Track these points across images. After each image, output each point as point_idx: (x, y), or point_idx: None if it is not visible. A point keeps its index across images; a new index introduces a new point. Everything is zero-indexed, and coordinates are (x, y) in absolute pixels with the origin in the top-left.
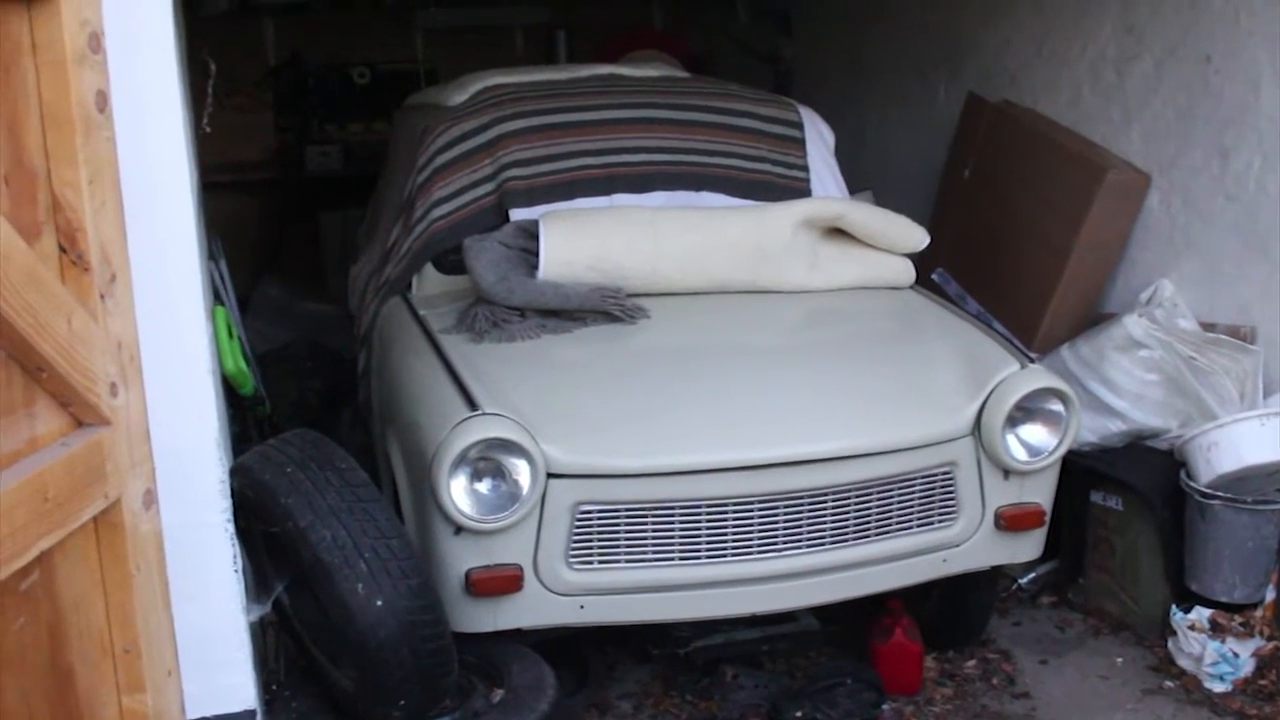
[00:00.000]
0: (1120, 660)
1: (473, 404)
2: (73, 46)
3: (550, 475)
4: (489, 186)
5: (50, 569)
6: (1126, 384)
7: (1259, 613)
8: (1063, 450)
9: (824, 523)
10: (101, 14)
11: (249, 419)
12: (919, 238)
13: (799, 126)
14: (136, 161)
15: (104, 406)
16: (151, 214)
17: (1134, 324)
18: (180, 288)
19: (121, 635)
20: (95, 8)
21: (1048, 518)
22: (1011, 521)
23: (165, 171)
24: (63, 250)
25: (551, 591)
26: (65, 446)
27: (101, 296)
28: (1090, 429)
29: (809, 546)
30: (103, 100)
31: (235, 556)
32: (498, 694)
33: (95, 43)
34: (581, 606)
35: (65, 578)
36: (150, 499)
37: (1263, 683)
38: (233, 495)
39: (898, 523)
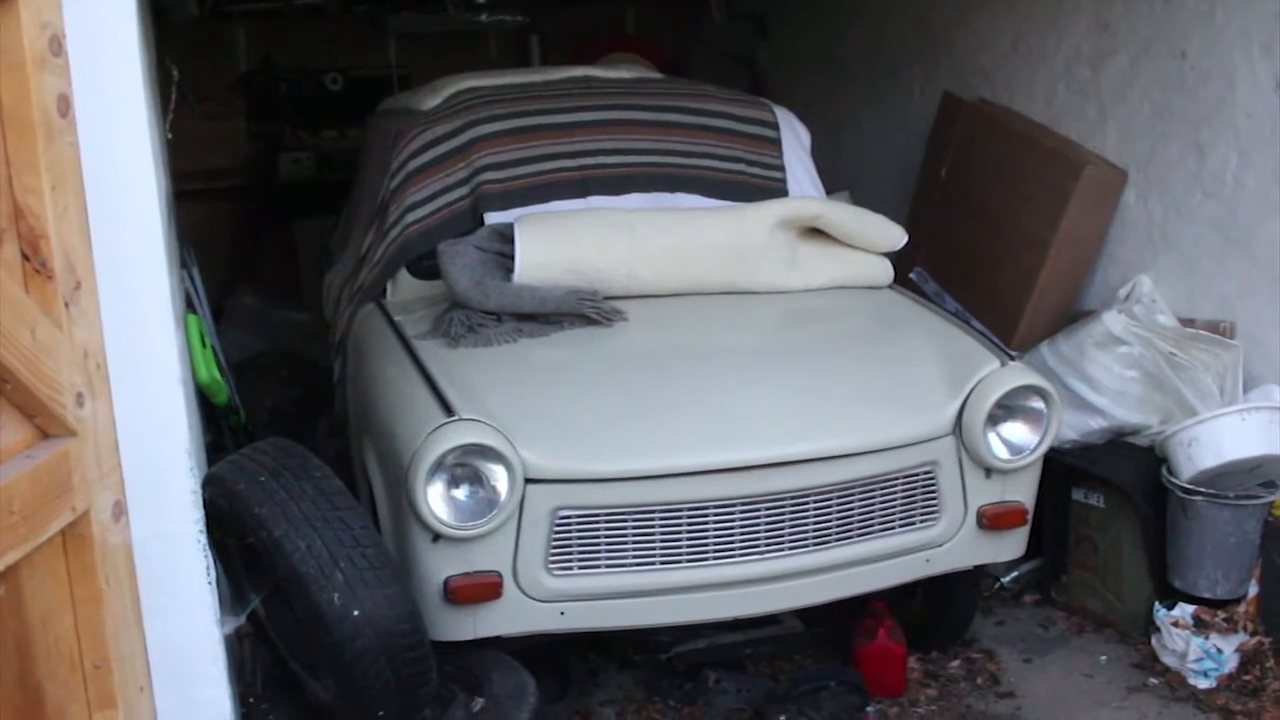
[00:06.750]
0: (1104, 658)
1: (449, 409)
2: (33, 49)
3: (528, 480)
4: (463, 190)
5: (17, 584)
6: (1107, 381)
7: (1242, 608)
8: (1044, 448)
9: (806, 524)
10: (63, 16)
11: (224, 428)
12: (897, 236)
13: (775, 127)
14: (101, 167)
15: (70, 417)
16: (117, 220)
17: (1113, 320)
18: (148, 295)
19: (91, 651)
20: (56, 10)
21: (1030, 516)
22: (994, 520)
23: (130, 177)
24: (25, 258)
25: (531, 598)
26: (30, 459)
27: (66, 305)
28: (1071, 426)
29: (791, 549)
30: (65, 104)
31: (208, 568)
32: (478, 703)
33: (56, 45)
34: (562, 613)
35: (32, 593)
36: (119, 511)
37: (1247, 678)
38: (205, 506)
39: (880, 523)
